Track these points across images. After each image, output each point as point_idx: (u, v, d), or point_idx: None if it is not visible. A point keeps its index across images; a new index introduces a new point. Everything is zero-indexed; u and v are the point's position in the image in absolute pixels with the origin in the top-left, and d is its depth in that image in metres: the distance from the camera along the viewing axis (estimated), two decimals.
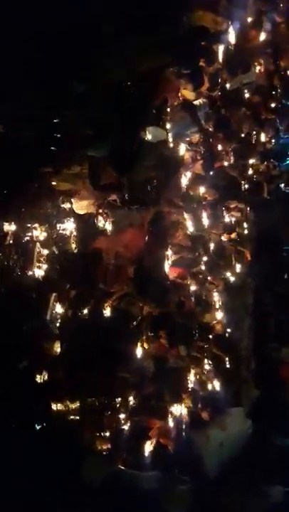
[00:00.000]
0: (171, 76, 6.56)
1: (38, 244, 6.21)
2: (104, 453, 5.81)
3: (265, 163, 7.11)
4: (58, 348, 6.08)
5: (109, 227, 6.46)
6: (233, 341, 6.45)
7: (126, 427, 5.89)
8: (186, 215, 6.64)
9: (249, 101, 7.03)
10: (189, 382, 6.16)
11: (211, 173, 6.78)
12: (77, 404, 5.89)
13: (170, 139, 6.45)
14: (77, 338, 6.02)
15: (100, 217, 6.42)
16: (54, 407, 5.89)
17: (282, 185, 7.11)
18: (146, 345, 6.14)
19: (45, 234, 6.27)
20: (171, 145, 6.50)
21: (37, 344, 5.98)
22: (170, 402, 6.00)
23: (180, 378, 6.12)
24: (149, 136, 6.29)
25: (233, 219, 6.86)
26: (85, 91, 5.96)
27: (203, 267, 6.63)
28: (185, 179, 6.69)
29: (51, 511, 5.15)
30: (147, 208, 6.44)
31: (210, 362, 6.26)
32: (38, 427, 5.82)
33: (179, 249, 6.60)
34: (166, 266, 6.47)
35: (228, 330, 6.48)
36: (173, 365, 6.14)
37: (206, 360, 6.27)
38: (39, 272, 6.24)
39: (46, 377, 6.01)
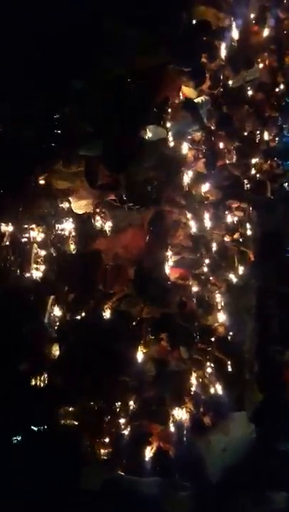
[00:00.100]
0: (172, 73, 6.47)
1: (35, 245, 6.13)
2: (104, 458, 5.73)
3: (269, 161, 7.18)
4: (56, 351, 6.00)
5: (108, 227, 6.38)
6: (235, 344, 6.45)
7: (126, 432, 5.81)
8: (187, 215, 6.57)
9: (252, 98, 7.04)
10: (191, 385, 6.12)
11: (213, 172, 6.71)
12: (76, 408, 5.81)
13: (170, 138, 6.37)
14: (76, 341, 5.93)
15: (99, 217, 6.35)
16: (53, 410, 5.79)
17: (286, 184, 7.13)
18: (146, 348, 6.07)
19: (42, 235, 6.19)
20: (172, 143, 6.43)
21: (35, 347, 5.90)
22: (171, 407, 5.96)
23: (181, 382, 6.09)
24: (149, 135, 6.21)
25: (236, 219, 6.85)
26: (83, 87, 5.89)
27: (205, 268, 6.59)
28: (187, 178, 6.61)
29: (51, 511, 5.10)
30: (147, 208, 6.36)
31: (212, 365, 6.23)
32: (37, 429, 5.72)
33: (180, 249, 6.54)
34: (167, 267, 6.40)
35: (231, 332, 6.46)
36: (174, 369, 6.09)
37: (208, 363, 6.23)
38: (37, 273, 6.16)
39: (45, 380, 5.90)
